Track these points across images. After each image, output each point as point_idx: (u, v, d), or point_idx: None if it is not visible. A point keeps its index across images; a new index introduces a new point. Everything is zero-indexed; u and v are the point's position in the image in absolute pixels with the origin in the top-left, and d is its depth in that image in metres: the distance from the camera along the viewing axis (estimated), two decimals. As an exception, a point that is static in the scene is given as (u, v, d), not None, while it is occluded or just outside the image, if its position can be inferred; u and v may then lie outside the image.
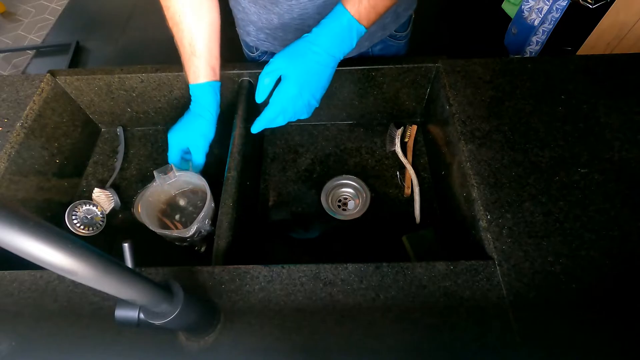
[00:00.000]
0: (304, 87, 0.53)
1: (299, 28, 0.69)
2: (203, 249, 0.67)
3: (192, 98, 0.65)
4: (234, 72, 0.72)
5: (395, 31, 0.77)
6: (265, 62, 0.55)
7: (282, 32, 0.71)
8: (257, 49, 0.82)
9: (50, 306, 0.47)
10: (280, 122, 0.57)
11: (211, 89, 0.64)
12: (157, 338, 0.44)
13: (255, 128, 0.58)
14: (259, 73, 0.54)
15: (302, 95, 0.54)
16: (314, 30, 0.52)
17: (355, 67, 0.71)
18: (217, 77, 0.65)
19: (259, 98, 0.56)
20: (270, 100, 0.55)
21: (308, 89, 0.54)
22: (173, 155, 0.67)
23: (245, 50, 0.87)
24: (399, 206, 0.71)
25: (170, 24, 0.62)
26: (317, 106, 0.57)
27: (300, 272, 0.48)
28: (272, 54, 0.80)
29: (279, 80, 0.55)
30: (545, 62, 0.68)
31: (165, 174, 0.65)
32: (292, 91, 0.53)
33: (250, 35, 0.78)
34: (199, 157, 0.67)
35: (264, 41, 0.76)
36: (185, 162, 0.69)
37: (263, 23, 0.72)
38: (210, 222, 0.63)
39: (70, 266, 0.23)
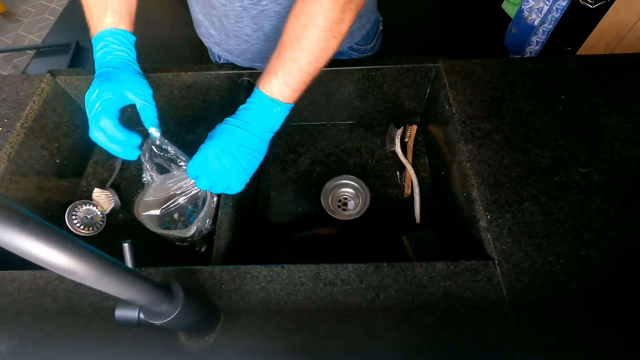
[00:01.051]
0: (217, 150, 0.49)
1: (238, 35, 0.66)
2: (203, 249, 0.67)
3: (104, 49, 0.51)
4: (234, 72, 0.72)
5: (356, 44, 0.75)
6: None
7: (225, 36, 0.68)
8: (218, 56, 0.80)
9: (50, 306, 0.47)
10: (205, 184, 0.51)
11: (132, 42, 0.55)
12: (157, 338, 0.44)
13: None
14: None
15: (217, 158, 0.50)
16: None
17: (355, 67, 0.71)
18: (132, 30, 0.55)
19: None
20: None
21: (219, 150, 0.49)
22: (109, 119, 0.48)
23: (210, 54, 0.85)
24: (399, 206, 0.71)
25: None
26: (246, 179, 0.52)
27: (300, 272, 0.48)
28: (226, 61, 0.77)
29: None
30: (545, 62, 0.68)
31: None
32: (203, 152, 0.50)
33: (204, 36, 0.75)
34: (153, 111, 0.52)
35: (215, 45, 0.74)
36: (131, 133, 0.50)
37: (208, 26, 0.70)
38: (210, 221, 0.63)
39: (70, 266, 0.23)
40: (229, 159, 0.50)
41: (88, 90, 0.50)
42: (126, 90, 0.50)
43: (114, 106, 0.50)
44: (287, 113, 0.52)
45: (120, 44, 0.53)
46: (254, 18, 0.60)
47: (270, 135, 0.53)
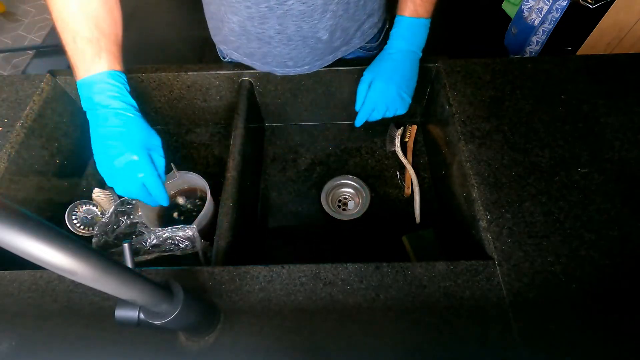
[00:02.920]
0: (388, 82, 0.64)
1: (260, 38, 0.63)
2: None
3: (98, 94, 0.50)
4: (234, 72, 0.72)
5: (366, 43, 0.74)
6: None
7: (246, 40, 0.66)
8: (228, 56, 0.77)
9: (50, 306, 0.47)
10: (376, 116, 0.67)
11: (126, 82, 0.53)
12: (157, 338, 0.44)
13: (358, 122, 0.68)
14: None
15: (390, 88, 0.64)
16: (388, 41, 0.66)
17: (355, 67, 0.71)
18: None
19: (357, 106, 0.68)
20: (366, 100, 0.66)
21: (393, 82, 0.64)
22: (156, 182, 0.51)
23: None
24: (399, 206, 0.71)
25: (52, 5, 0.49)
26: (409, 100, 0.66)
27: (300, 272, 0.48)
28: (240, 64, 0.75)
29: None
30: (545, 62, 0.68)
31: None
32: (378, 87, 0.64)
33: (222, 43, 0.73)
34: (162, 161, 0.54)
35: (234, 51, 0.72)
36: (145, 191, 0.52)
37: (227, 33, 0.68)
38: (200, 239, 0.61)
39: (70, 266, 0.23)
40: (396, 86, 0.64)
41: (100, 151, 0.50)
42: (146, 148, 0.52)
43: (147, 164, 0.51)
44: (426, 29, 0.65)
45: (119, 89, 0.51)
46: (279, 18, 0.60)
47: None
